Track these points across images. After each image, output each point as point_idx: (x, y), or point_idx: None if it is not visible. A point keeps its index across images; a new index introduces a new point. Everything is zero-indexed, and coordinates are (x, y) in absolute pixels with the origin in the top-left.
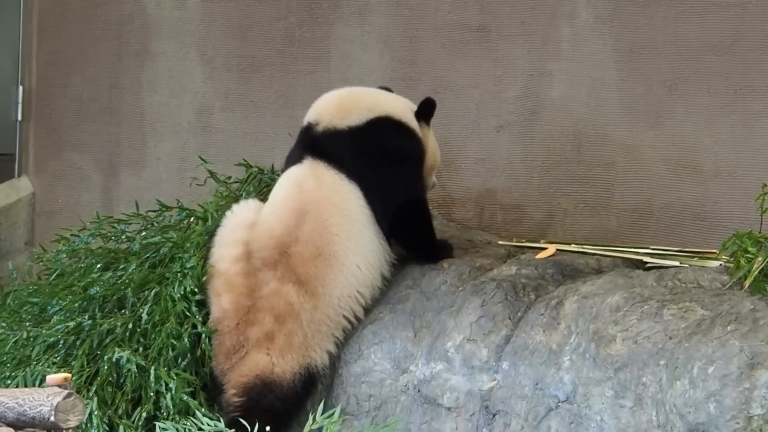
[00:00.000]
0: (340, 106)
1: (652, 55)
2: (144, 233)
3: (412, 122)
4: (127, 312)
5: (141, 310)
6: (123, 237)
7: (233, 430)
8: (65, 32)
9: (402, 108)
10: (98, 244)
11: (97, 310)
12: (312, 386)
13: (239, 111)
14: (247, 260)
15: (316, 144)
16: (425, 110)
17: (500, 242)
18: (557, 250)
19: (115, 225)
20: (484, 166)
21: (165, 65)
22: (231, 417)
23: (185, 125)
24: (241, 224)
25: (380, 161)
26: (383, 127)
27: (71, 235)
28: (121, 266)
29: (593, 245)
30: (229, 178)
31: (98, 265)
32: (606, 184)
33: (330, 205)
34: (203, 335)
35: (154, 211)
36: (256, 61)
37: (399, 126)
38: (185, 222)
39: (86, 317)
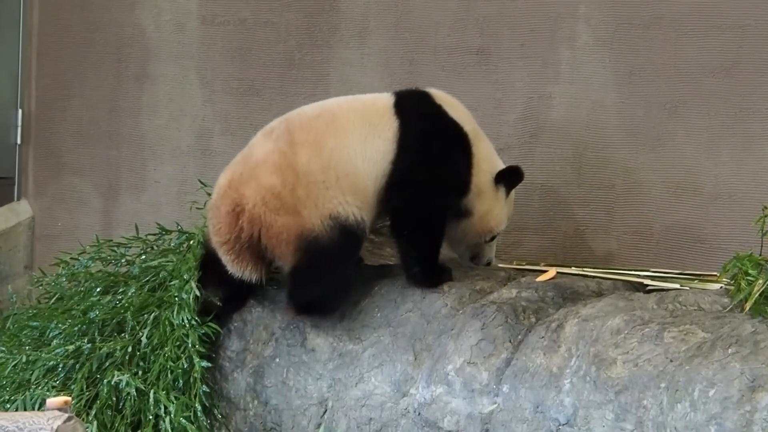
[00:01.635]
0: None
1: (652, 78)
2: (143, 257)
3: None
4: (126, 335)
5: (140, 334)
6: (122, 260)
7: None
8: (65, 55)
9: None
10: (98, 267)
11: (96, 333)
12: (348, 235)
13: (239, 134)
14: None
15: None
16: (509, 178)
17: (500, 265)
18: (557, 272)
19: (115, 248)
20: None
21: (164, 88)
22: (295, 275)
23: (185, 148)
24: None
25: (432, 145)
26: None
27: (71, 258)
28: (121, 290)
29: (593, 268)
30: None
31: (98, 289)
32: (606, 206)
33: (352, 109)
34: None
35: (154, 235)
36: (255, 84)
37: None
38: (185, 245)
39: (86, 341)
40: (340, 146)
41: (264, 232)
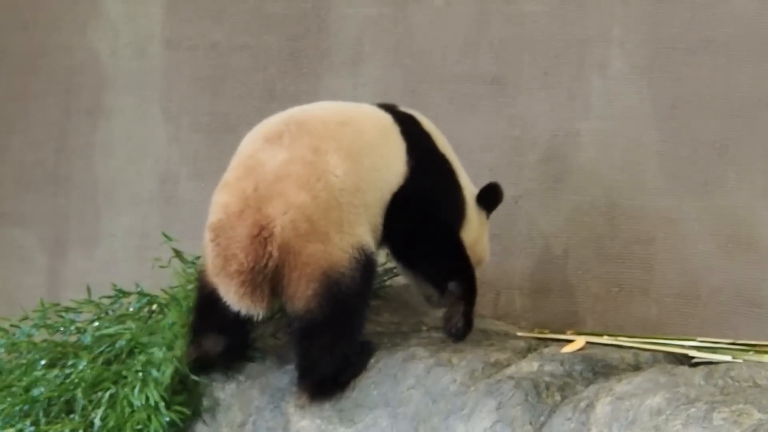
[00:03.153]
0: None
1: (699, 112)
2: (97, 323)
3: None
4: (76, 417)
5: (93, 415)
6: (72, 328)
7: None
8: (2, 86)
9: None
10: (43, 336)
11: (41, 414)
12: (371, 272)
13: (210, 178)
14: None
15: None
16: (489, 199)
17: (519, 333)
18: (587, 342)
19: (63, 314)
20: (500, 243)
21: (122, 124)
22: (305, 324)
23: (146, 195)
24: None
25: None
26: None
27: (11, 326)
28: (70, 363)
29: (629, 337)
30: (198, 257)
31: (42, 362)
32: (645, 264)
33: (373, 121)
34: None
35: (109, 297)
36: (229, 119)
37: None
38: (146, 310)
39: (28, 423)
40: (375, 167)
41: (291, 261)
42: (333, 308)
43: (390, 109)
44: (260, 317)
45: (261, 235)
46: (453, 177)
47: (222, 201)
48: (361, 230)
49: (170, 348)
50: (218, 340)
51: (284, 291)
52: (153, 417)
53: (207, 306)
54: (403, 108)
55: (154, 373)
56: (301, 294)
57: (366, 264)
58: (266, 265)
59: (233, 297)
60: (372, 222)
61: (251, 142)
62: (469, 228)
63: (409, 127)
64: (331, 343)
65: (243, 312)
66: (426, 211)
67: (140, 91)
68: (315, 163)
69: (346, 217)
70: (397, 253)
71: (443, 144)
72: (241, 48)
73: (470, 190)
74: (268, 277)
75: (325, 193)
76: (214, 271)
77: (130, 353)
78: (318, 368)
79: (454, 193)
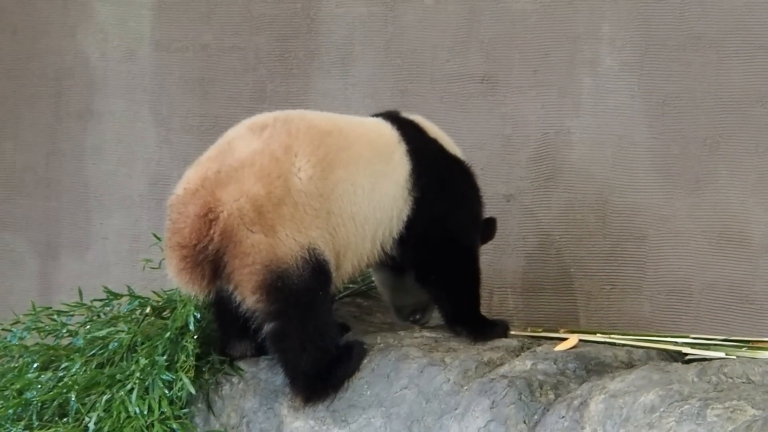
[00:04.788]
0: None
1: (690, 108)
2: (89, 326)
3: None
4: (69, 420)
5: (87, 419)
6: (64, 331)
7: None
8: None
9: None
10: (35, 339)
11: (34, 417)
12: (322, 275)
13: None
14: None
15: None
16: (485, 231)
17: (512, 332)
18: (580, 340)
19: (55, 317)
20: (493, 242)
21: (112, 127)
22: (271, 327)
23: (137, 198)
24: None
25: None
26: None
27: (2, 329)
28: (63, 365)
29: (622, 334)
30: None
31: (35, 365)
32: (637, 261)
33: (365, 138)
34: None
35: (101, 300)
36: (220, 121)
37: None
38: (138, 312)
39: (21, 426)
40: (349, 180)
41: (231, 249)
42: (282, 304)
43: (396, 121)
44: (198, 299)
45: (207, 217)
46: (469, 182)
47: (186, 177)
48: (316, 234)
49: (171, 354)
50: (246, 345)
51: (229, 279)
52: (156, 425)
53: (225, 313)
54: (406, 114)
55: (158, 381)
56: (246, 284)
57: (316, 266)
58: (207, 246)
59: (173, 270)
60: (347, 237)
61: (237, 127)
62: None
63: (417, 143)
64: (300, 341)
65: (182, 288)
66: (447, 240)
67: (130, 93)
68: (281, 161)
69: (300, 216)
70: (420, 278)
71: (452, 145)
72: (231, 49)
73: None
74: (208, 258)
75: (281, 190)
76: (164, 242)
77: (124, 356)
78: (301, 369)
79: (472, 204)
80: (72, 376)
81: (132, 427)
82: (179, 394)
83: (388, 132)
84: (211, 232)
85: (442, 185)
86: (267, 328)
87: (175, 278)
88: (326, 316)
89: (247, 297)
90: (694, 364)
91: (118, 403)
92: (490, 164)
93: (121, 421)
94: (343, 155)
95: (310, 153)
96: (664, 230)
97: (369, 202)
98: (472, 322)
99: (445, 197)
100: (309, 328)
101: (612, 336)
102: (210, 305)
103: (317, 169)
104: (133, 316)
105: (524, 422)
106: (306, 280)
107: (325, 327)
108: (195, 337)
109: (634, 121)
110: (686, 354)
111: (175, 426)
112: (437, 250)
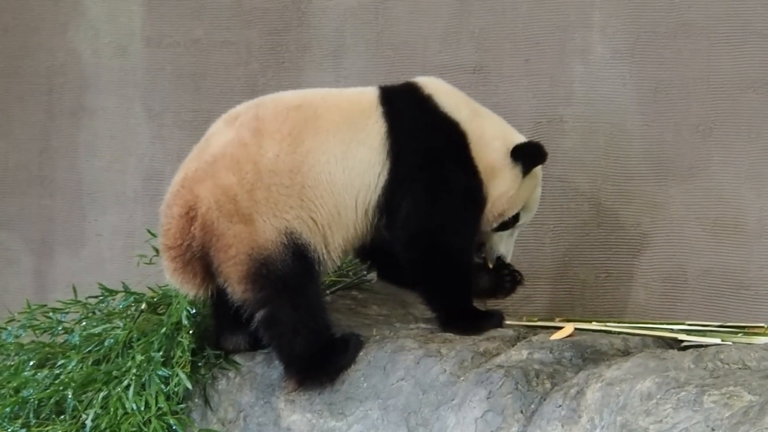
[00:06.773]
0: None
1: (682, 95)
2: (84, 323)
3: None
4: (67, 417)
5: (84, 416)
6: (59, 328)
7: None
8: None
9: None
10: (30, 337)
11: (31, 415)
12: (304, 258)
13: None
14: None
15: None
16: (526, 156)
17: (508, 322)
18: (575, 329)
19: (50, 314)
20: None
21: (105, 124)
22: (262, 315)
23: (131, 194)
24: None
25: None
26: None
27: None
28: (59, 363)
29: (618, 322)
30: None
31: (31, 362)
32: (631, 249)
33: (336, 107)
34: None
35: (96, 297)
36: (212, 116)
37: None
38: (133, 309)
39: (18, 424)
40: (319, 149)
41: (214, 243)
42: (270, 290)
43: (390, 86)
44: (195, 297)
45: (189, 215)
46: (453, 139)
47: (173, 180)
48: (291, 216)
49: (167, 350)
50: (239, 338)
51: (219, 273)
52: (153, 421)
53: (219, 307)
54: (420, 78)
55: (155, 377)
56: (233, 276)
57: (296, 251)
58: (191, 244)
59: (168, 273)
60: (329, 210)
61: (216, 122)
62: (494, 181)
63: (399, 104)
64: (292, 325)
65: (180, 290)
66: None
67: (122, 89)
68: (249, 145)
69: (274, 198)
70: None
71: (450, 99)
72: (222, 44)
73: (503, 137)
74: (196, 256)
75: (251, 175)
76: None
77: (120, 353)
78: (295, 353)
79: (457, 164)
80: (68, 373)
81: (129, 423)
82: (176, 389)
83: (368, 98)
84: (193, 229)
85: (417, 147)
86: (258, 316)
87: (171, 280)
88: (315, 298)
89: (236, 288)
90: (690, 350)
91: (114, 399)
92: None
93: (118, 418)
94: (309, 126)
95: (274, 130)
96: (659, 217)
97: (344, 169)
98: (461, 314)
99: (421, 163)
100: (299, 312)
101: (608, 324)
102: (210, 301)
103: (284, 145)
104: (129, 313)
105: (521, 412)
106: (290, 264)
107: (316, 309)
108: (190, 332)
109: (627, 109)
110: (682, 341)
111: (172, 422)
112: (414, 236)
